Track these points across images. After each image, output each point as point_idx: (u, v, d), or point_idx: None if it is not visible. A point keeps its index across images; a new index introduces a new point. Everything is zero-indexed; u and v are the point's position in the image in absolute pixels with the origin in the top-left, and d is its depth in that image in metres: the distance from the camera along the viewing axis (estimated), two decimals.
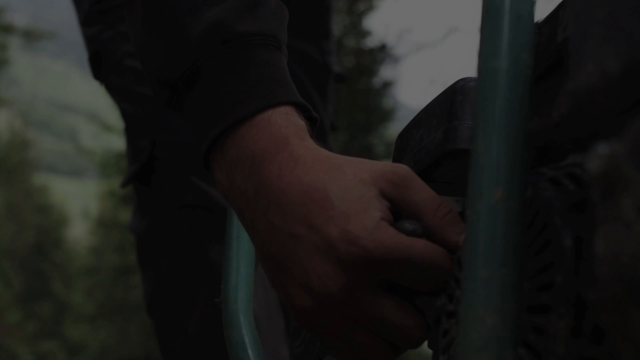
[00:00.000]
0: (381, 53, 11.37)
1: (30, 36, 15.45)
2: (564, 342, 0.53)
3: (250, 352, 0.95)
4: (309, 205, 0.71)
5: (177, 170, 1.45)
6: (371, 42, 11.45)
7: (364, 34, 11.40)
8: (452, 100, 0.80)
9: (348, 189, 0.71)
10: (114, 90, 1.54)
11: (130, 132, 1.53)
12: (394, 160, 0.92)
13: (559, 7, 0.66)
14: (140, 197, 1.51)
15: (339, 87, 1.80)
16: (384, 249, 0.68)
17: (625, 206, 0.44)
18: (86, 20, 1.54)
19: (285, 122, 0.77)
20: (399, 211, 0.73)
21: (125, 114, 1.54)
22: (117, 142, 14.43)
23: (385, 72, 11.62)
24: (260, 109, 0.77)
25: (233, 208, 0.80)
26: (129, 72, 1.48)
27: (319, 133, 1.67)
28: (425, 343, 0.81)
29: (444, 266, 0.70)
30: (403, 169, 0.74)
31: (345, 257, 0.69)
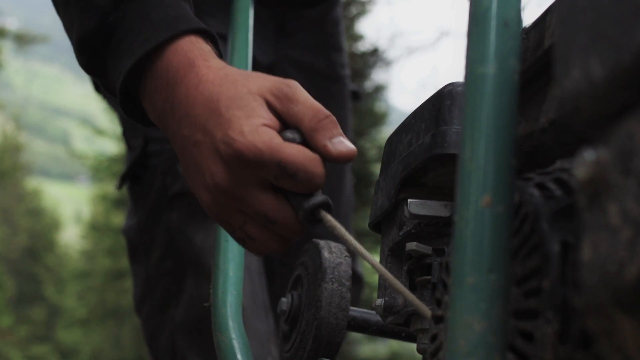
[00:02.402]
0: (373, 57, 11.35)
1: (23, 40, 15.40)
2: (552, 348, 0.53)
3: (239, 356, 0.94)
4: (206, 114, 0.83)
5: (166, 163, 1.48)
6: (363, 46, 11.44)
7: (356, 38, 11.38)
8: (440, 105, 0.80)
9: (236, 99, 0.82)
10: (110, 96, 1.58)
11: (127, 135, 1.58)
12: (383, 165, 0.93)
13: (547, 12, 0.66)
14: (133, 196, 1.55)
15: None
16: (255, 150, 0.78)
17: (611, 212, 0.44)
18: None
19: (190, 47, 0.89)
20: (285, 123, 0.82)
21: (121, 117, 1.59)
22: (110, 146, 14.41)
23: (378, 75, 11.60)
24: (166, 39, 0.88)
25: (161, 129, 0.91)
26: None
27: None
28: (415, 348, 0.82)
29: (314, 171, 0.79)
30: (287, 84, 0.83)
31: (225, 157, 0.80)
